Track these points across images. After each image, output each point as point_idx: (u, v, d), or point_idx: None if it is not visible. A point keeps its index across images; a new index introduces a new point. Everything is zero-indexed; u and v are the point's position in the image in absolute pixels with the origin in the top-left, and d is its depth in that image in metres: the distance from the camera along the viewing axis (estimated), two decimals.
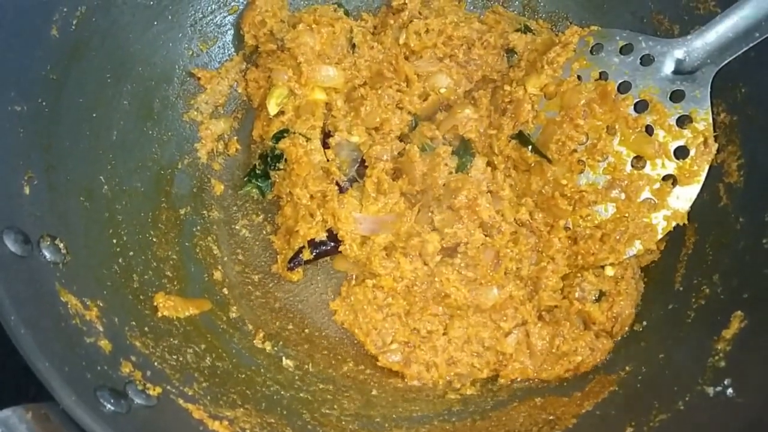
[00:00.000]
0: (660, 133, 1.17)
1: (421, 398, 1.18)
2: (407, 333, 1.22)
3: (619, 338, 1.20)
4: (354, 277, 1.28)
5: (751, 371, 0.97)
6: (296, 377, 1.17)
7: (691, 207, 1.17)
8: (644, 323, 1.19)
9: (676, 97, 1.17)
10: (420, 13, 1.38)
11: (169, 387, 0.97)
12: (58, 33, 1.05)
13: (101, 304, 0.98)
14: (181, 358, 1.05)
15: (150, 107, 1.27)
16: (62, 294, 0.93)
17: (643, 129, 1.18)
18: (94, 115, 1.14)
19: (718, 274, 1.12)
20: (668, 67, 1.18)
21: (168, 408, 0.95)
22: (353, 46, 1.36)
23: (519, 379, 1.20)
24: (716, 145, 1.15)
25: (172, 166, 1.29)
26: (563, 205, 1.20)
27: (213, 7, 1.35)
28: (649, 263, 1.25)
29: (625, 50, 1.22)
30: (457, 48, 1.37)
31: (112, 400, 0.85)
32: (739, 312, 1.04)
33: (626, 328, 1.20)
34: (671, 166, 1.17)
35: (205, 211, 1.31)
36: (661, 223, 1.17)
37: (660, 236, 1.18)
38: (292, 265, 1.26)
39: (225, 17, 1.37)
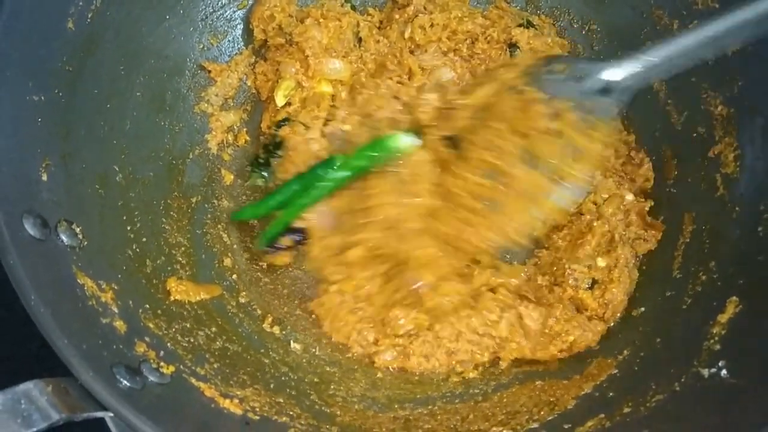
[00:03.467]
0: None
1: (424, 381, 1.21)
2: (391, 337, 1.23)
3: (613, 323, 1.22)
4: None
5: (745, 354, 1.00)
6: (304, 360, 1.20)
7: (690, 197, 1.22)
8: (642, 309, 1.21)
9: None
10: (425, 8, 1.41)
11: (181, 366, 1.00)
12: (73, 26, 1.08)
13: (116, 287, 1.01)
14: (192, 340, 1.08)
15: (162, 99, 1.30)
16: (79, 276, 0.96)
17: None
18: (108, 105, 1.17)
19: (715, 262, 1.14)
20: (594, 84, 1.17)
21: (181, 386, 0.98)
22: (359, 40, 1.39)
23: (518, 359, 1.22)
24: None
25: (184, 156, 1.32)
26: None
27: (223, 1, 1.38)
28: (646, 252, 1.28)
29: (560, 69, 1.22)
30: (461, 42, 1.40)
31: (127, 377, 0.89)
32: (734, 297, 1.06)
33: (618, 314, 1.22)
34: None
35: (215, 200, 1.34)
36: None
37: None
38: (270, 249, 1.29)
39: (235, 12, 1.41)
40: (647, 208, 1.30)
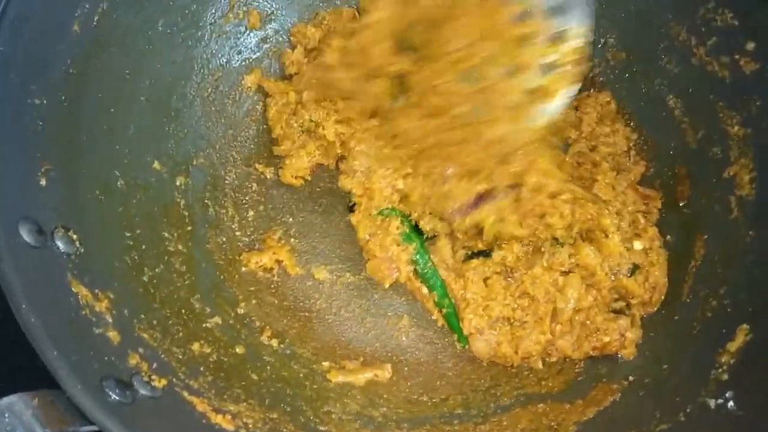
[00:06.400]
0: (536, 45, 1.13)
1: (422, 401, 1.19)
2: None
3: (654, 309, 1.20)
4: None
5: (754, 385, 0.97)
6: (301, 374, 1.18)
7: (701, 219, 1.18)
8: (651, 333, 1.18)
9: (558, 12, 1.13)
10: None
11: (174, 379, 0.99)
12: (79, 29, 1.07)
13: (112, 296, 1.00)
14: (187, 352, 1.07)
15: (168, 104, 1.28)
16: (74, 285, 0.95)
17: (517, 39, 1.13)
18: (112, 110, 1.15)
19: (726, 287, 1.12)
20: None
21: (172, 400, 0.97)
22: None
23: (555, 359, 1.20)
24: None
25: (187, 162, 1.30)
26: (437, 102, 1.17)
27: (232, 6, 1.36)
28: None
29: None
30: None
31: (117, 390, 0.87)
32: (744, 325, 1.04)
33: (662, 297, 1.19)
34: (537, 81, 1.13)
35: (218, 208, 1.32)
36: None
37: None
38: None
39: (245, 15, 1.38)
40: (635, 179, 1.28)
